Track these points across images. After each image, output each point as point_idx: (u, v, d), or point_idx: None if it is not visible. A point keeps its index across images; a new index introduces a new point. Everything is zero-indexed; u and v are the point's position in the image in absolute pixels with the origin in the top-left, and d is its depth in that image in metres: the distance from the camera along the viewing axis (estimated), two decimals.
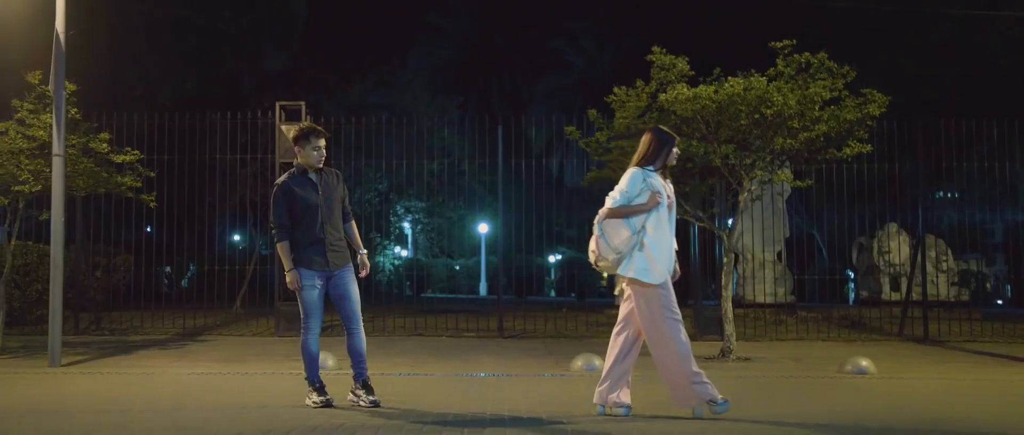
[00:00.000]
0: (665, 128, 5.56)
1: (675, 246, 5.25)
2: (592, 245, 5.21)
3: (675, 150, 5.33)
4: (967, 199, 18.43)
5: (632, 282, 5.09)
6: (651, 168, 5.22)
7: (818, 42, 17.31)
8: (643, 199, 5.10)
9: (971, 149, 12.04)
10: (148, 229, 13.26)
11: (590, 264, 5.35)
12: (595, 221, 5.20)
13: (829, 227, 19.38)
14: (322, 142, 5.49)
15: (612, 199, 5.13)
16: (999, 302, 26.51)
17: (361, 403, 5.54)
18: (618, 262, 5.09)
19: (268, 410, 5.47)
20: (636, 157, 5.27)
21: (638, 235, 5.07)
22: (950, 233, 16.52)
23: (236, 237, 24.61)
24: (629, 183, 5.13)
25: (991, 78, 20.01)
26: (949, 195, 21.99)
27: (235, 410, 5.49)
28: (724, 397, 5.06)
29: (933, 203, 19.27)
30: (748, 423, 5.06)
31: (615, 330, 5.31)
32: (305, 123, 5.57)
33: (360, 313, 5.60)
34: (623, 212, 5.10)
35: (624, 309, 5.27)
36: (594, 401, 5.29)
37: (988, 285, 28.53)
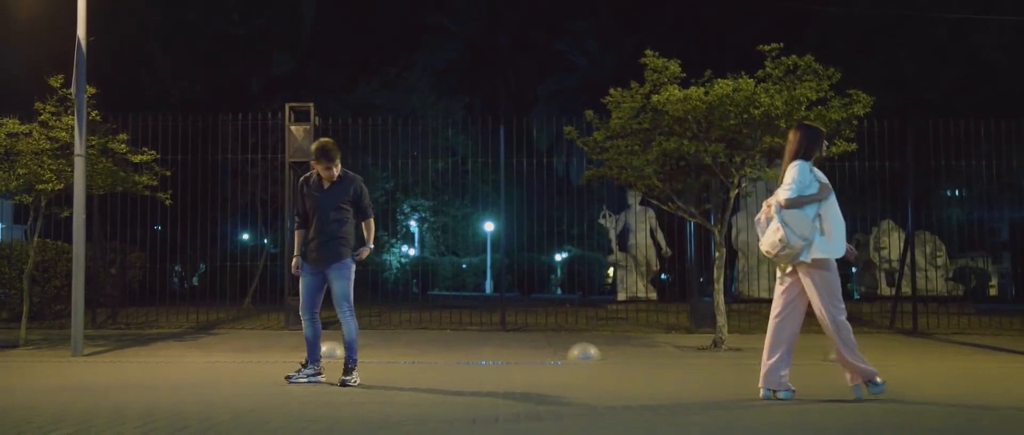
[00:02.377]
0: (811, 123, 5.85)
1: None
2: (776, 237, 5.33)
3: (825, 142, 5.61)
4: (968, 198, 18.66)
5: (814, 263, 5.31)
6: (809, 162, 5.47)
7: (818, 44, 17.64)
8: (813, 189, 5.36)
9: (963, 149, 12.33)
10: (157, 227, 13.62)
11: (763, 255, 5.53)
12: (772, 212, 5.40)
13: None
14: (333, 166, 5.96)
15: (788, 189, 5.33)
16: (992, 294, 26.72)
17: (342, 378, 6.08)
18: (804, 249, 5.29)
19: (286, 391, 5.88)
20: (790, 155, 5.48)
21: (815, 222, 5.32)
22: (952, 231, 16.79)
23: (245, 235, 25.02)
24: (799, 173, 5.36)
25: (989, 80, 20.23)
26: (955, 193, 22.18)
27: (259, 389, 5.91)
28: (882, 379, 5.49)
29: (933, 201, 19.54)
30: (731, 403, 5.43)
31: (776, 318, 5.54)
32: (325, 140, 6.03)
33: (345, 306, 6.13)
34: (799, 202, 5.32)
35: (786, 298, 5.52)
36: (761, 385, 5.50)
37: (993, 282, 28.73)
